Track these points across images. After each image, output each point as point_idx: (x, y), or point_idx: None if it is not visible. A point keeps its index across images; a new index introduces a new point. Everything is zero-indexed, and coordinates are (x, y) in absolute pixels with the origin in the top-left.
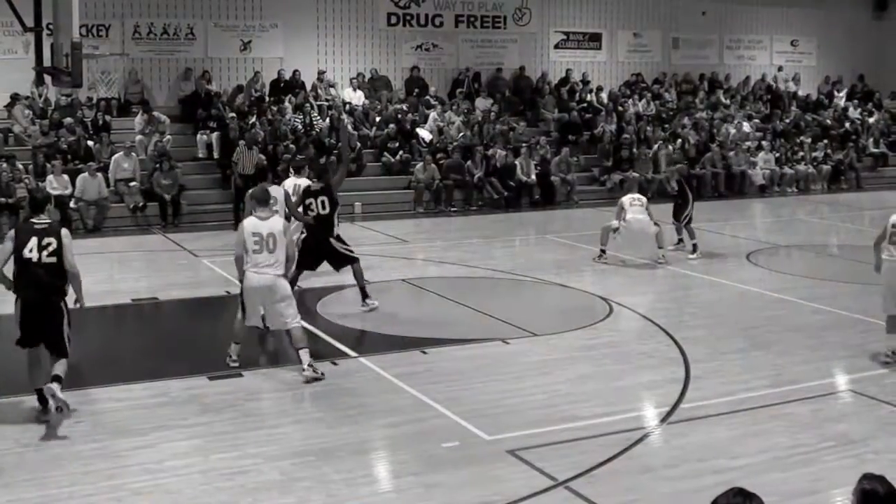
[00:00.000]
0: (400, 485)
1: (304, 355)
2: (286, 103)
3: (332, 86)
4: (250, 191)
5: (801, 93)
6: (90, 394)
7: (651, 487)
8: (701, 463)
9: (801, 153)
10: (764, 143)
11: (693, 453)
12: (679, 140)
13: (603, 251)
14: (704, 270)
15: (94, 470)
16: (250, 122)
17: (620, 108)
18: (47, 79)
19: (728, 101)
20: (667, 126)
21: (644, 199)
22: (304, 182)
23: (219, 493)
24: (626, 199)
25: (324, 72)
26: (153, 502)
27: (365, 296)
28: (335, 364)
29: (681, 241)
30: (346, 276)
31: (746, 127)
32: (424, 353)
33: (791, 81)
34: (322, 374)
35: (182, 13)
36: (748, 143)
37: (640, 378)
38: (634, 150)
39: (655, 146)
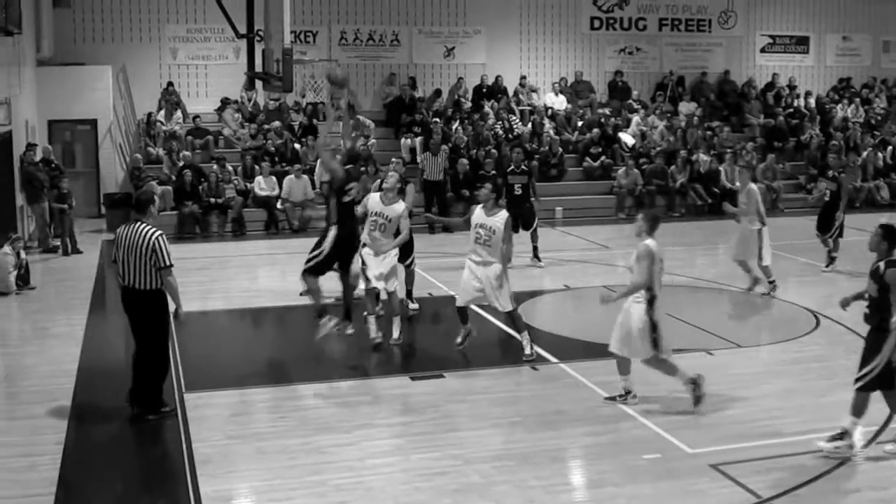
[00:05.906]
0: (599, 495)
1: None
2: (487, 108)
3: (535, 90)
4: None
5: None
6: (296, 390)
7: None
8: None
9: None
10: None
11: None
12: (889, 147)
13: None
14: None
15: (298, 464)
16: (454, 128)
17: (828, 114)
18: (258, 83)
19: None
20: (876, 132)
21: None
22: None
23: (418, 493)
24: None
25: (525, 77)
26: (355, 499)
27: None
28: (535, 369)
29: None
30: (546, 280)
31: None
32: None
33: None
34: None
35: (387, 20)
36: None
37: (846, 395)
38: (843, 157)
39: (864, 153)
